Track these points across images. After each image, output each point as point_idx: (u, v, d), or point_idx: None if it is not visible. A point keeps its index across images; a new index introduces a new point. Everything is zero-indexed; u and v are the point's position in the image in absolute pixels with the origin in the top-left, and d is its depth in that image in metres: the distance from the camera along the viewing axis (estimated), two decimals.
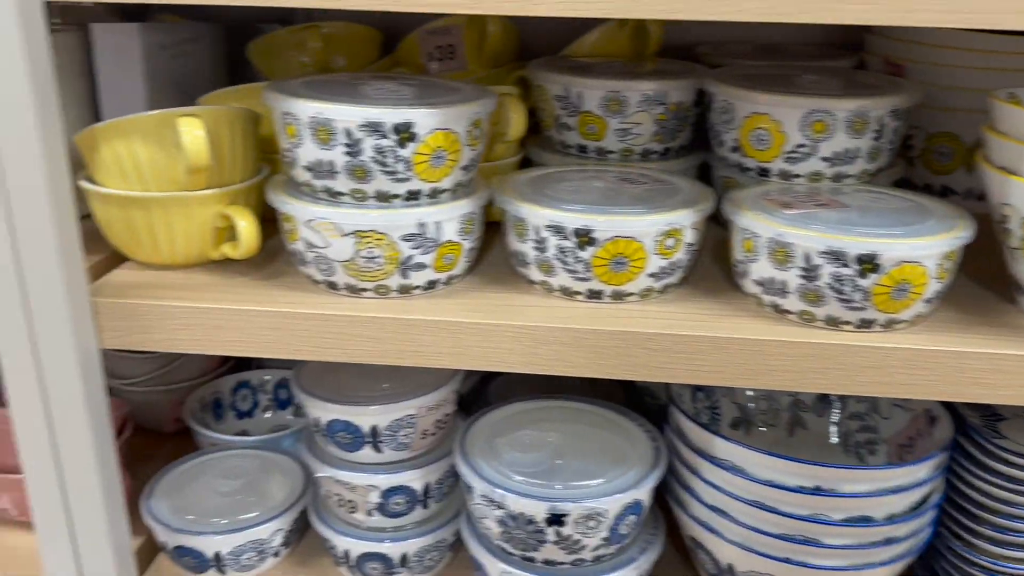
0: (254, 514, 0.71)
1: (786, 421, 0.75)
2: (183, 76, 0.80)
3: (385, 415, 0.65)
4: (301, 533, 0.75)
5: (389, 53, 0.90)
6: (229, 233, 0.64)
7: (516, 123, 0.68)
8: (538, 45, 0.91)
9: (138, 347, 0.60)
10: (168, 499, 0.72)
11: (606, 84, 0.70)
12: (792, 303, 0.56)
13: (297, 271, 0.64)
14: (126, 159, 0.60)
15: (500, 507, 0.62)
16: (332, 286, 0.60)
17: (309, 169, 0.58)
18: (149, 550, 0.73)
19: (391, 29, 0.92)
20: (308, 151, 0.57)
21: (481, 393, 0.86)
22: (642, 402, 0.85)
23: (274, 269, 0.65)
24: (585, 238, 0.57)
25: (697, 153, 0.75)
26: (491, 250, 0.69)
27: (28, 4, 0.50)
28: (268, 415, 0.91)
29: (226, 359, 0.93)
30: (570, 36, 0.91)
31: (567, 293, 0.60)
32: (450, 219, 0.59)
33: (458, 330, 0.57)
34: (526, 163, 0.77)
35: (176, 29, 0.79)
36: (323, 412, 0.66)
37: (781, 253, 0.55)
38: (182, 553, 0.69)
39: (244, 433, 0.87)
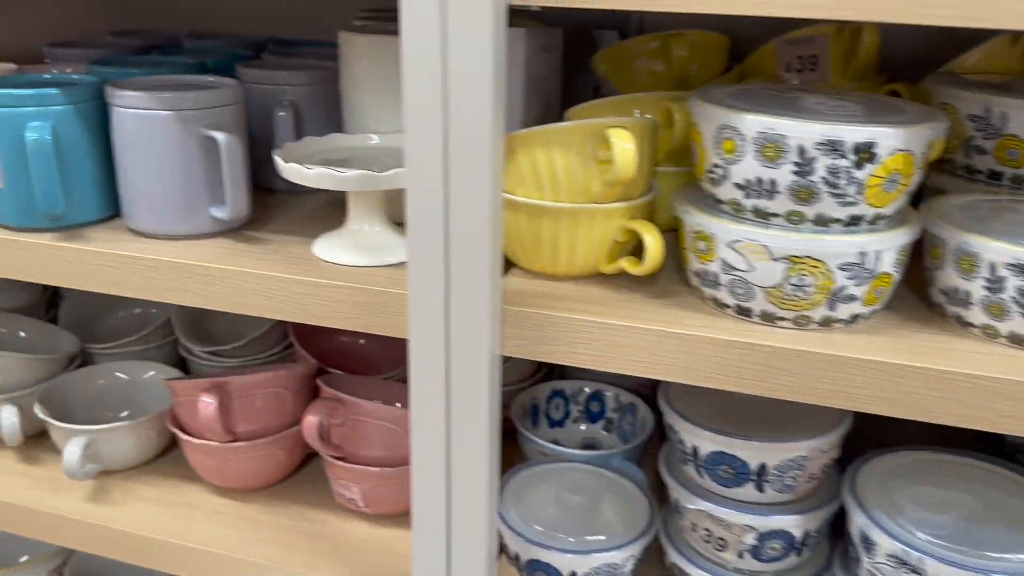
0: (602, 536, 0.68)
1: None
2: (543, 83, 0.80)
3: (777, 454, 0.61)
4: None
5: (734, 61, 0.86)
6: (624, 247, 0.62)
7: (936, 145, 0.62)
8: (890, 59, 0.84)
9: (537, 357, 0.59)
10: (514, 507, 0.72)
11: None
12: None
13: (689, 290, 0.61)
14: (543, 168, 0.59)
15: (915, 571, 0.56)
16: (744, 312, 0.56)
17: (741, 187, 0.54)
18: None
19: (738, 37, 0.88)
20: (747, 168, 0.53)
21: None
22: (1013, 459, 0.75)
23: (662, 288, 0.62)
24: None
25: None
26: None
27: (498, 5, 0.50)
28: (581, 427, 0.89)
29: (540, 365, 0.92)
30: (928, 51, 0.84)
31: (1017, 341, 0.53)
32: (890, 249, 0.54)
33: (900, 374, 0.52)
34: None
35: (542, 35, 0.79)
36: (705, 442, 0.63)
37: None
38: (535, 567, 0.67)
39: (556, 443, 0.85)
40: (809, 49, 0.81)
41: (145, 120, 0.66)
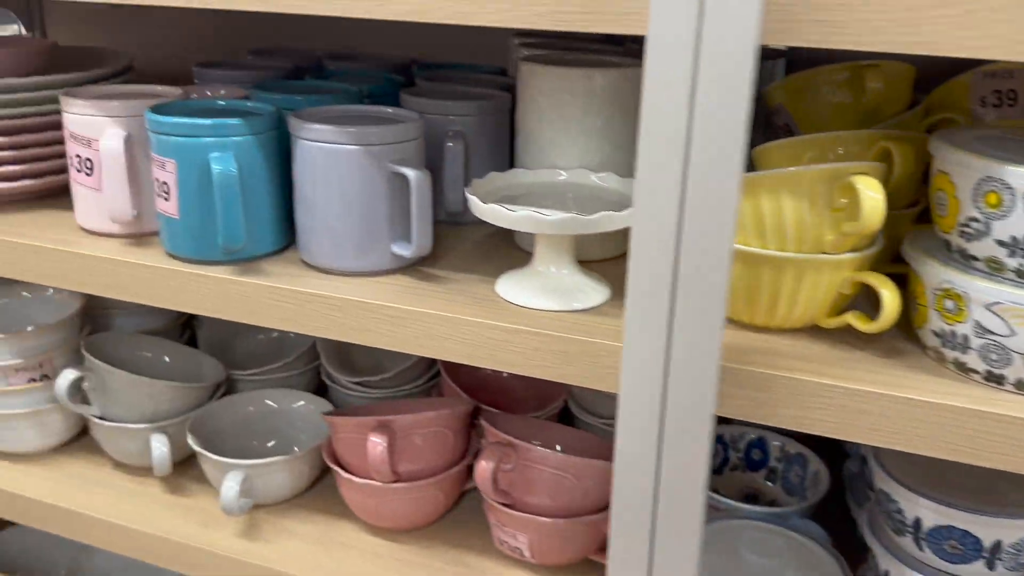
0: None
1: None
2: None
3: (1016, 531, 0.56)
4: None
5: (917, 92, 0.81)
6: (846, 300, 0.58)
7: None
8: None
9: (759, 420, 0.55)
10: None
11: None
12: None
13: (920, 349, 0.56)
14: (768, 214, 0.55)
15: None
16: (995, 379, 0.51)
17: (1005, 244, 0.50)
18: None
19: (922, 67, 0.83)
20: (1015, 224, 0.49)
21: None
22: None
23: (888, 345, 0.58)
24: None
25: None
26: None
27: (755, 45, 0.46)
28: (740, 475, 0.85)
29: None
30: None
31: None
32: None
33: None
34: None
35: None
36: (931, 514, 0.58)
37: None
38: None
39: (714, 492, 0.81)
40: (1008, 83, 0.76)
41: (332, 154, 0.63)
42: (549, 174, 0.67)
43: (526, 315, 0.61)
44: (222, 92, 0.86)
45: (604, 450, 0.78)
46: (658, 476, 0.56)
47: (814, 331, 0.59)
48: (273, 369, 0.91)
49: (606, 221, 0.57)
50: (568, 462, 0.70)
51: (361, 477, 0.75)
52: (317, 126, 0.63)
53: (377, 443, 0.71)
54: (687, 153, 0.48)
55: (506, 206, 0.59)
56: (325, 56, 1.04)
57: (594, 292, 0.63)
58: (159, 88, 0.77)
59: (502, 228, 0.78)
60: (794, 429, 0.54)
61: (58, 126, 0.81)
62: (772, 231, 0.55)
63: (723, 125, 0.47)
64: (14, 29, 1.37)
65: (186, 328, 1.01)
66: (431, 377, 0.91)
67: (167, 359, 0.91)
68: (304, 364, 0.92)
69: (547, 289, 0.62)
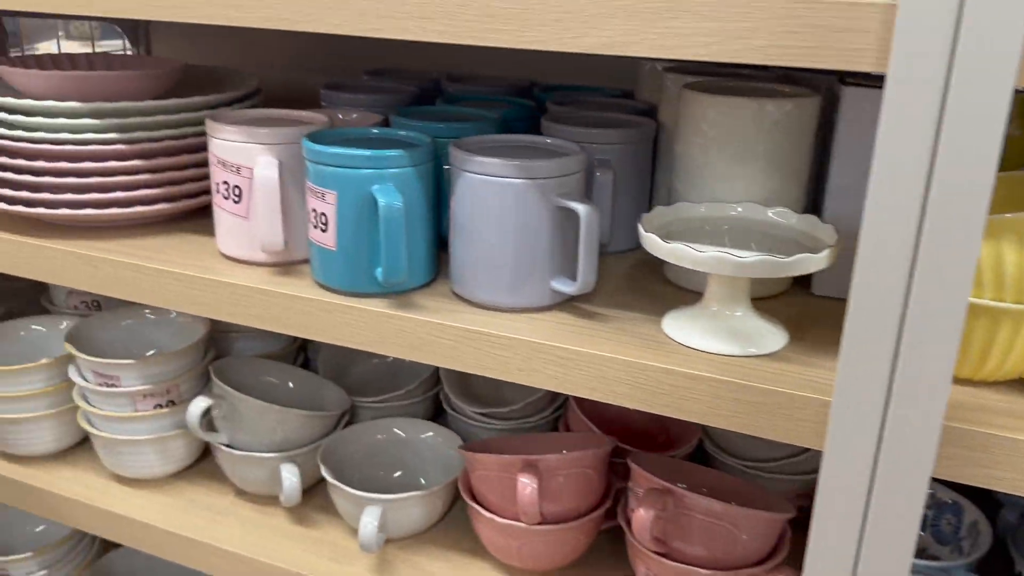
0: None
1: None
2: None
3: None
4: None
5: None
6: None
7: None
8: None
9: (973, 482, 0.51)
10: None
11: None
12: None
13: None
14: (986, 261, 0.51)
15: None
16: None
17: None
18: None
19: None
20: None
21: None
22: None
23: None
24: None
25: None
26: None
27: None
28: None
29: None
30: None
31: None
32: None
33: None
34: None
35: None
36: None
37: None
38: None
39: None
40: None
41: (497, 187, 0.61)
42: (720, 208, 0.65)
43: (703, 359, 0.58)
44: (354, 116, 0.85)
45: (750, 495, 0.75)
46: (861, 542, 0.52)
47: (1020, 384, 0.56)
48: (394, 396, 0.89)
49: (805, 264, 0.54)
50: (729, 511, 0.66)
51: (500, 515, 0.73)
52: (481, 159, 0.61)
53: (527, 484, 0.68)
54: (925, 201, 0.45)
55: (691, 245, 0.56)
56: (443, 77, 1.03)
57: (771, 336, 0.60)
58: (304, 114, 0.75)
59: (649, 259, 0.75)
60: (1010, 492, 0.50)
61: (193, 149, 0.80)
62: (990, 279, 0.52)
63: (971, 174, 0.43)
64: (119, 44, 1.38)
65: (300, 351, 1.00)
66: (556, 409, 0.89)
67: (291, 385, 0.89)
68: (424, 391, 0.90)
69: (722, 331, 0.59)
